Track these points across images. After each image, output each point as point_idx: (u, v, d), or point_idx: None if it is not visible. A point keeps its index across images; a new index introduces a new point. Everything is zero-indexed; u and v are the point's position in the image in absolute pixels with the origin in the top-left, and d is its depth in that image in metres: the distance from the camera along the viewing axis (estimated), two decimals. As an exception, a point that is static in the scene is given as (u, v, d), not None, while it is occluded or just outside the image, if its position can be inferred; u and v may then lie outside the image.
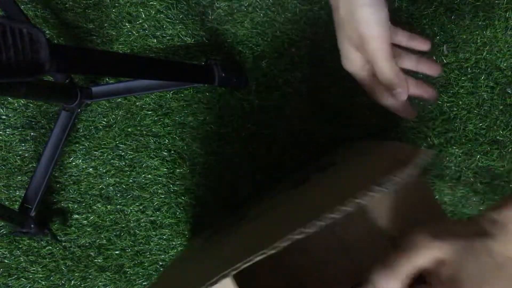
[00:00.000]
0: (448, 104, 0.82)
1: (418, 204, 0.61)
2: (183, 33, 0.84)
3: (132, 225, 0.85)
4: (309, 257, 0.66)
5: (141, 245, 0.85)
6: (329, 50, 0.82)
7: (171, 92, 0.84)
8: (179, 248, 0.85)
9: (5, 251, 0.85)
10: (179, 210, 0.84)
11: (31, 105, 0.85)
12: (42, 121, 0.86)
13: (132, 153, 0.85)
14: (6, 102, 0.86)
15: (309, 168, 0.73)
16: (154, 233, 0.85)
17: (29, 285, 0.85)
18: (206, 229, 0.81)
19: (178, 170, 0.84)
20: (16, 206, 0.81)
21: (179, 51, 0.84)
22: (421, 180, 0.54)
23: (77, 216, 0.85)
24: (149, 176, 0.85)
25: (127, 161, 0.85)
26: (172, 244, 0.85)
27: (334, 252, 0.65)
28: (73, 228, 0.85)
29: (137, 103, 0.85)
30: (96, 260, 0.85)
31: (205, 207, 0.84)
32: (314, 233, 0.62)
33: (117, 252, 0.85)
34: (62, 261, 0.85)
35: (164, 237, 0.85)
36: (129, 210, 0.85)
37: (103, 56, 0.57)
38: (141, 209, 0.85)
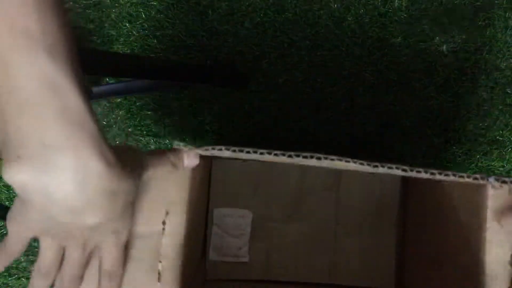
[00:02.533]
0: (448, 104, 0.82)
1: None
2: (183, 33, 0.84)
3: (132, 225, 0.85)
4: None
5: (141, 245, 0.85)
6: (329, 50, 0.82)
7: (171, 92, 0.84)
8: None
9: (5, 251, 0.85)
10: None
11: (31, 105, 0.85)
12: (42, 121, 0.86)
13: (132, 153, 0.85)
14: (6, 102, 0.86)
15: None
16: (154, 233, 0.85)
17: (29, 285, 0.85)
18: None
19: (178, 170, 0.84)
20: (16, 206, 0.81)
21: (179, 51, 0.84)
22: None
23: (77, 216, 0.85)
24: (149, 176, 0.85)
25: (127, 161, 0.85)
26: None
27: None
28: (73, 228, 0.85)
29: (137, 103, 0.85)
30: (96, 260, 0.85)
31: (205, 207, 0.84)
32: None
33: (117, 252, 0.85)
34: (62, 261, 0.85)
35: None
36: (129, 210, 0.85)
37: (103, 56, 0.57)
38: (141, 209, 0.85)
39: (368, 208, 0.65)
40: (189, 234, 0.41)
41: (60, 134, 0.26)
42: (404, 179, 0.66)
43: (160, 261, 0.38)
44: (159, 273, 0.38)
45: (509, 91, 0.82)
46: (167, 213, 0.39)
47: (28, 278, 0.84)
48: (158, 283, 0.38)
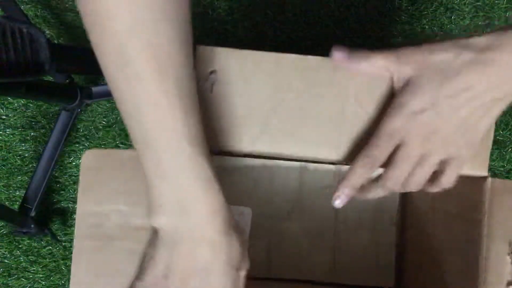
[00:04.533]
0: (448, 104, 0.82)
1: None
2: (183, 33, 0.84)
3: (132, 225, 0.85)
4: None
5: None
6: (329, 50, 0.82)
7: (171, 92, 0.84)
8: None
9: (5, 251, 0.85)
10: (179, 210, 0.84)
11: (31, 105, 0.86)
12: (42, 121, 0.86)
13: (132, 153, 0.85)
14: (6, 102, 0.86)
15: None
16: (154, 233, 0.85)
17: (29, 285, 0.85)
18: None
19: (178, 170, 0.84)
20: (16, 206, 0.81)
21: (179, 51, 0.84)
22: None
23: (77, 216, 0.85)
24: (149, 176, 0.85)
25: (127, 161, 0.85)
26: (172, 244, 0.85)
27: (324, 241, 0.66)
28: (73, 228, 0.85)
29: (137, 103, 0.85)
30: (96, 260, 0.85)
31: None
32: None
33: (117, 252, 0.85)
34: (62, 261, 0.85)
35: (164, 237, 0.85)
36: (129, 210, 0.85)
37: (103, 56, 0.57)
38: (141, 209, 0.85)
39: (367, 204, 0.65)
40: None
41: (198, 201, 0.34)
42: None
43: None
44: None
45: (509, 91, 0.82)
46: None
47: (27, 278, 0.85)
48: None
